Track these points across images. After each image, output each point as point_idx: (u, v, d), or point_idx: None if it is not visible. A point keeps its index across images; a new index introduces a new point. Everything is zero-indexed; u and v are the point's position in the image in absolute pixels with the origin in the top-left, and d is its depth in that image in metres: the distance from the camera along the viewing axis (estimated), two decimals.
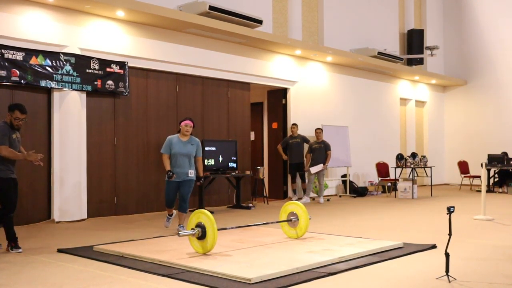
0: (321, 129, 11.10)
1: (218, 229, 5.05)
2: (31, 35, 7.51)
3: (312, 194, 11.09)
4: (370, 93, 13.95)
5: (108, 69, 8.31)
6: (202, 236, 5.04)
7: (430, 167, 12.72)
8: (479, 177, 13.63)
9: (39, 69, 7.52)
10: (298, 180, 11.40)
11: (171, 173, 6.50)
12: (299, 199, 11.35)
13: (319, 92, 12.33)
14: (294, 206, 6.11)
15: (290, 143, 11.05)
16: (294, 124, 11.14)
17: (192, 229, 5.11)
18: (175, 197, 6.71)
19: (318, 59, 12.15)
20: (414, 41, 15.14)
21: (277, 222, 6.13)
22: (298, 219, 6.01)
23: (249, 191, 10.68)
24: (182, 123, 6.70)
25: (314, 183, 11.10)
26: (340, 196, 12.37)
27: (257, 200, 10.82)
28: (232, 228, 5.82)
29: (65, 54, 7.80)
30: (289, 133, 11.46)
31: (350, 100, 13.25)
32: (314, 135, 11.25)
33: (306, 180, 11.11)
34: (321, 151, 10.87)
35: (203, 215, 5.10)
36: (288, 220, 6.09)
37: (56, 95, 7.84)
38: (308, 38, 12.27)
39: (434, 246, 5.44)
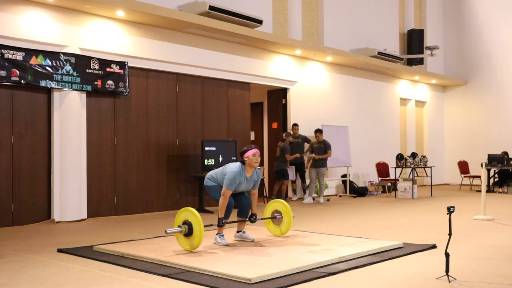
0: (320, 131, 11.03)
1: (205, 226, 5.14)
2: (31, 35, 7.51)
3: (313, 195, 11.08)
4: (370, 93, 13.95)
5: (108, 69, 8.31)
6: (188, 233, 5.08)
7: (430, 167, 12.72)
8: (479, 177, 13.64)
9: (39, 69, 7.52)
10: (298, 180, 11.41)
11: (222, 223, 5.50)
12: (300, 199, 11.37)
13: (319, 92, 12.33)
14: (278, 204, 6.13)
15: (292, 143, 11.05)
16: (295, 124, 11.14)
17: (178, 226, 5.15)
18: (232, 202, 5.62)
19: (318, 59, 12.15)
20: (414, 41, 15.14)
21: (261, 219, 6.12)
22: (282, 217, 6.03)
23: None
24: (249, 153, 5.50)
25: (315, 184, 11.09)
26: (340, 196, 12.37)
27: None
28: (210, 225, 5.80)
29: (65, 54, 7.80)
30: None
31: (350, 100, 13.25)
32: (314, 136, 11.23)
33: (307, 181, 11.11)
34: (320, 151, 10.87)
35: (189, 213, 5.17)
36: (273, 218, 6.11)
37: (56, 95, 7.84)
38: (308, 38, 12.27)
39: (434, 246, 5.44)
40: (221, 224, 5.47)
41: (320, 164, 10.80)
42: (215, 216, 8.29)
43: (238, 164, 5.56)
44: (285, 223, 6.05)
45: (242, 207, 5.77)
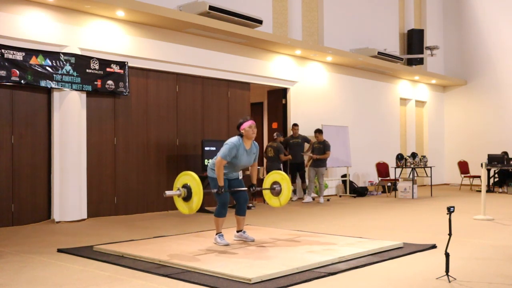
0: (320, 131, 11.01)
1: (205, 189, 5.13)
2: (31, 35, 7.51)
3: (313, 194, 11.08)
4: (370, 93, 13.95)
5: (108, 69, 8.31)
6: (187, 197, 5.07)
7: (430, 167, 12.72)
8: (479, 177, 13.64)
9: (39, 69, 7.52)
10: (298, 180, 11.41)
11: (222, 190, 5.41)
12: (300, 199, 11.37)
13: (319, 92, 12.33)
14: (277, 175, 6.12)
15: (291, 143, 11.05)
16: (295, 124, 11.14)
17: (177, 189, 5.13)
18: (228, 198, 5.59)
19: (318, 59, 12.15)
20: (414, 41, 15.15)
21: (260, 189, 6.09)
22: (281, 188, 6.02)
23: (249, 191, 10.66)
24: (245, 125, 5.51)
25: (314, 183, 11.10)
26: (340, 196, 12.37)
27: (256, 200, 10.81)
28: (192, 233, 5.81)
29: (65, 54, 7.80)
30: (289, 133, 11.46)
31: (350, 100, 13.25)
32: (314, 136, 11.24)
33: (307, 180, 11.11)
34: (320, 151, 10.87)
35: (188, 176, 5.14)
36: (271, 189, 6.09)
37: (56, 95, 7.84)
38: (308, 38, 12.27)
39: (434, 246, 5.44)
40: (220, 191, 5.37)
41: (319, 164, 10.80)
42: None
43: (236, 137, 5.56)
44: (284, 194, 6.00)
45: (239, 204, 5.73)
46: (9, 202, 7.40)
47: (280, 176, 6.08)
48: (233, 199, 5.81)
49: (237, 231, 5.82)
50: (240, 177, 5.84)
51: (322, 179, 10.88)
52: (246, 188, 5.77)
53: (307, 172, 11.06)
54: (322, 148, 10.85)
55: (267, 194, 6.19)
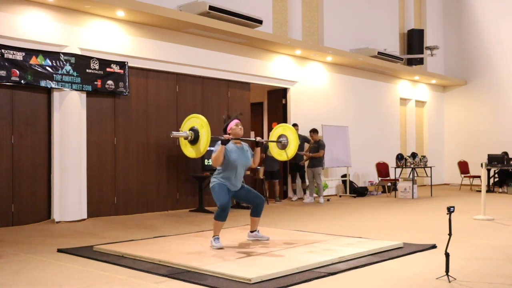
0: (314, 130, 10.98)
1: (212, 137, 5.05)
2: (31, 35, 7.51)
3: (313, 194, 11.07)
4: (370, 93, 13.95)
5: (108, 69, 8.31)
6: (194, 139, 5.01)
7: (430, 167, 12.72)
8: (479, 177, 13.63)
9: (39, 69, 7.52)
10: (298, 180, 11.41)
11: (227, 140, 5.24)
12: (300, 199, 11.37)
13: (319, 92, 12.33)
14: (283, 128, 6.10)
15: None
16: (295, 125, 11.13)
17: (184, 131, 5.07)
18: (230, 204, 5.35)
19: (318, 59, 12.15)
20: (414, 41, 15.15)
21: (267, 141, 6.03)
22: (287, 141, 6.00)
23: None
24: (231, 125, 5.47)
25: (314, 183, 11.09)
26: (340, 196, 12.37)
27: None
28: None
29: (65, 54, 7.80)
30: None
31: (350, 100, 13.25)
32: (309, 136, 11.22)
33: (307, 181, 11.11)
34: (315, 151, 10.88)
35: (196, 119, 5.08)
36: (278, 141, 6.06)
37: (56, 95, 7.84)
38: (308, 38, 12.27)
39: (434, 246, 5.44)
40: (225, 142, 5.22)
41: (314, 163, 10.80)
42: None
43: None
44: (291, 147, 5.96)
45: (255, 206, 5.64)
46: (9, 202, 7.40)
47: (287, 128, 6.04)
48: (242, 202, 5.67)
49: (251, 231, 5.78)
50: (242, 185, 5.66)
51: (319, 178, 10.85)
52: (261, 196, 5.69)
53: (306, 173, 11.06)
54: (316, 147, 10.86)
55: (273, 148, 6.14)
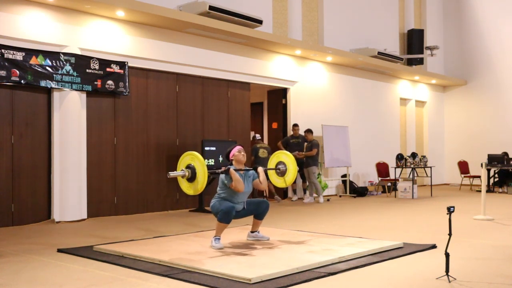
0: (308, 130, 10.95)
1: (209, 170, 5.11)
2: (31, 35, 7.51)
3: (313, 194, 11.07)
4: (370, 93, 13.95)
5: (108, 69, 8.31)
6: (192, 177, 5.06)
7: (430, 167, 12.72)
8: (479, 177, 13.64)
9: (39, 69, 7.52)
10: (299, 180, 11.41)
11: (228, 170, 5.27)
12: (300, 199, 11.37)
13: (319, 92, 12.33)
14: (281, 155, 6.13)
15: (291, 142, 11.07)
16: (295, 125, 11.16)
17: (181, 170, 5.11)
18: (234, 209, 5.35)
19: (318, 59, 12.15)
20: (414, 41, 15.15)
21: (266, 169, 6.05)
22: (286, 168, 6.02)
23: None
24: (234, 151, 5.53)
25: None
26: (340, 196, 12.37)
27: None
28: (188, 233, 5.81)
29: (65, 54, 7.81)
30: (289, 133, 11.46)
31: (350, 100, 13.25)
32: (314, 135, 11.23)
33: (307, 181, 11.11)
34: (309, 150, 10.88)
35: (192, 157, 5.12)
36: (276, 169, 6.10)
37: (56, 95, 7.84)
38: (308, 38, 12.27)
39: (434, 246, 5.44)
40: (226, 173, 5.28)
41: (308, 163, 10.81)
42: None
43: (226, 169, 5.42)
44: (289, 174, 6.00)
45: (260, 212, 5.64)
46: (9, 202, 7.40)
47: (285, 156, 6.07)
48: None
49: (252, 231, 5.78)
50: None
51: (314, 178, 10.83)
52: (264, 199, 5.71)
53: (306, 173, 11.06)
54: (310, 147, 10.87)
55: (272, 175, 6.17)
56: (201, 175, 5.03)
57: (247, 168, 5.65)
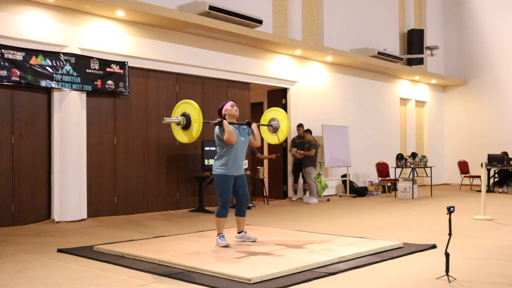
0: (307, 131, 10.93)
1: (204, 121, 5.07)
2: (31, 35, 7.51)
3: (315, 194, 11.05)
4: (370, 93, 13.95)
5: (108, 69, 8.31)
6: (186, 125, 5.03)
7: (430, 167, 12.73)
8: (479, 177, 13.64)
9: (39, 69, 7.52)
10: (300, 180, 11.42)
11: (222, 120, 5.31)
12: (300, 199, 11.37)
13: (319, 92, 12.33)
14: (274, 112, 6.07)
15: (296, 142, 11.12)
16: (300, 125, 11.20)
17: (177, 117, 5.08)
18: (230, 198, 5.43)
19: (318, 59, 12.15)
20: (414, 41, 15.15)
21: (258, 125, 5.95)
22: (279, 124, 5.96)
23: (249, 191, 10.67)
24: (226, 106, 5.54)
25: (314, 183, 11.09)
26: (340, 196, 12.37)
27: (257, 200, 10.82)
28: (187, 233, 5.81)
29: (65, 54, 7.80)
30: (293, 133, 11.49)
31: (350, 100, 13.25)
32: (314, 135, 11.23)
33: (308, 181, 11.11)
34: (306, 150, 10.88)
35: (187, 105, 5.09)
36: (269, 125, 6.03)
37: (56, 95, 7.84)
38: (308, 38, 12.27)
39: (434, 246, 5.44)
40: (220, 124, 5.30)
41: (306, 163, 10.82)
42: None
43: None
44: (282, 130, 5.93)
45: (240, 204, 5.61)
46: (9, 202, 7.40)
47: (278, 112, 6.01)
48: (233, 198, 5.75)
49: (238, 232, 5.76)
50: (243, 172, 5.66)
51: (309, 178, 10.82)
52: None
53: (305, 174, 11.06)
54: (308, 147, 10.87)
55: (265, 131, 6.10)
56: (196, 122, 4.96)
57: (240, 122, 5.63)
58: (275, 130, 6.01)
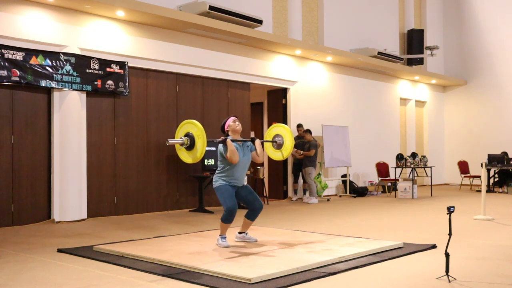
0: (307, 131, 10.94)
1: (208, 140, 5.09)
2: (31, 35, 7.51)
3: (315, 194, 11.05)
4: (370, 93, 13.95)
5: (108, 69, 8.31)
6: (190, 145, 5.04)
7: (430, 167, 12.72)
8: (479, 177, 13.64)
9: (39, 69, 7.52)
10: (300, 180, 11.42)
11: (227, 139, 5.31)
12: (300, 199, 11.37)
13: (319, 92, 12.33)
14: (278, 128, 6.05)
15: (296, 143, 11.10)
16: (299, 125, 11.20)
17: (180, 138, 5.08)
18: (237, 207, 5.34)
19: (318, 59, 12.15)
20: (414, 41, 15.15)
21: (262, 141, 5.95)
22: (283, 140, 5.96)
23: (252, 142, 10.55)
24: (229, 121, 5.53)
25: (314, 183, 11.09)
26: (340, 196, 12.37)
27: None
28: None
29: (65, 54, 7.80)
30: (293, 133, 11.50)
31: (350, 100, 13.25)
32: (314, 135, 11.24)
33: (308, 182, 11.11)
34: (306, 150, 10.88)
35: (190, 125, 5.10)
36: (273, 142, 6.02)
37: (56, 95, 7.84)
38: (308, 38, 12.27)
39: (434, 246, 5.44)
40: (223, 142, 5.32)
41: (305, 163, 10.82)
42: (215, 216, 8.31)
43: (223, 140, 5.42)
44: (286, 146, 5.92)
45: (253, 210, 5.54)
46: (9, 202, 7.40)
47: (282, 128, 6.01)
48: (243, 204, 5.65)
49: (239, 233, 5.73)
50: (246, 183, 5.66)
51: (309, 178, 10.82)
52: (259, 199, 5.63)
53: (305, 174, 11.06)
54: (308, 147, 10.87)
55: (269, 147, 6.10)
56: (200, 143, 4.98)
57: (245, 139, 5.62)
58: (279, 146, 6.02)
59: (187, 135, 5.08)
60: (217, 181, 5.44)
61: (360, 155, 13.23)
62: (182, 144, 5.07)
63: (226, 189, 5.35)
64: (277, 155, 6.06)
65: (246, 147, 5.55)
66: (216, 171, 5.55)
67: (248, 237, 5.70)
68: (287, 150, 5.95)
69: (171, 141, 5.08)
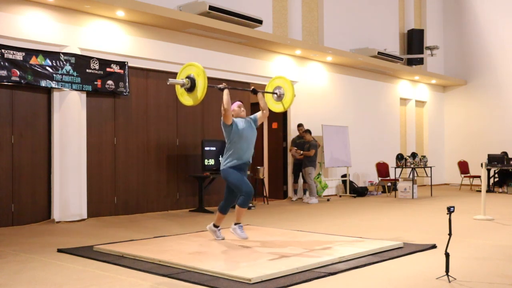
0: (306, 131, 10.94)
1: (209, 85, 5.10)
2: (31, 35, 7.51)
3: (315, 194, 11.06)
4: (370, 93, 13.95)
5: (108, 69, 8.31)
6: (191, 87, 5.03)
7: (430, 167, 12.73)
8: (479, 177, 13.64)
9: (39, 69, 7.52)
10: (300, 180, 11.41)
11: (224, 88, 5.37)
12: (300, 199, 11.36)
13: (319, 92, 12.33)
14: (280, 80, 6.05)
15: (297, 142, 11.13)
16: (300, 125, 11.20)
17: (181, 79, 5.09)
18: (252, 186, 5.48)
19: (318, 59, 12.15)
20: (414, 41, 15.15)
21: (263, 92, 5.96)
22: (283, 91, 5.95)
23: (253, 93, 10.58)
24: (234, 105, 5.57)
25: (314, 183, 11.09)
26: (340, 196, 12.37)
27: (257, 200, 10.81)
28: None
29: (65, 54, 7.81)
30: (289, 133, 11.47)
31: (350, 100, 13.25)
32: (314, 135, 11.24)
33: (308, 182, 11.11)
34: (305, 150, 10.89)
35: (190, 66, 5.09)
36: (274, 93, 6.02)
37: (56, 95, 7.84)
38: (308, 38, 12.27)
39: (434, 246, 5.44)
40: (222, 90, 5.37)
41: (305, 163, 10.82)
42: (215, 216, 8.30)
43: None
44: (287, 97, 5.91)
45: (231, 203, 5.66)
46: (9, 202, 7.40)
47: (283, 81, 6.00)
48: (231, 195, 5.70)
49: (235, 224, 5.69)
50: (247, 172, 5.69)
51: (309, 178, 10.82)
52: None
53: (305, 174, 11.06)
54: (308, 147, 10.87)
55: (269, 100, 6.09)
56: (201, 81, 4.96)
57: (246, 89, 5.70)
58: (279, 97, 5.99)
59: (188, 77, 5.08)
60: (226, 164, 5.46)
61: (360, 155, 13.23)
62: (182, 85, 5.07)
63: (237, 174, 5.38)
64: (277, 107, 6.05)
65: (250, 123, 5.59)
66: (224, 154, 5.56)
67: (239, 232, 5.62)
68: (288, 102, 5.92)
69: (171, 80, 5.10)
